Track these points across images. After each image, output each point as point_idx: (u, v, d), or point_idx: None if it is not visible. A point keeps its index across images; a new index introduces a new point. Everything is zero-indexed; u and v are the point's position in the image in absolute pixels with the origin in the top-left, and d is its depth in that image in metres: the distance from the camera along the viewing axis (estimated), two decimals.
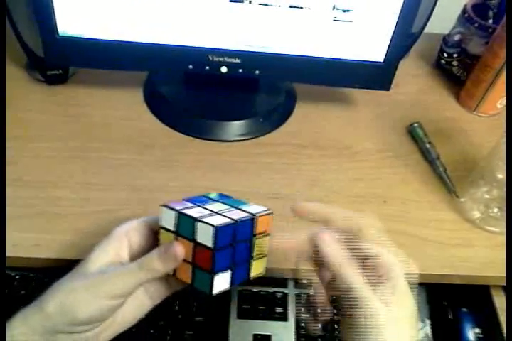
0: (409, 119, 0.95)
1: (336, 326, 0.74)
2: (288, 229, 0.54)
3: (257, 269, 0.55)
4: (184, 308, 0.75)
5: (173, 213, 0.52)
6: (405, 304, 0.51)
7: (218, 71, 0.84)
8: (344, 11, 0.77)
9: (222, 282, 0.52)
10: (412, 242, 0.77)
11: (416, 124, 0.94)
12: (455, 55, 1.05)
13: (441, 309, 0.79)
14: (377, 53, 0.83)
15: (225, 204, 0.56)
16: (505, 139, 0.71)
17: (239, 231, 0.51)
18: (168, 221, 0.53)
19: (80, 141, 0.86)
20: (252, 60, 0.83)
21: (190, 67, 0.84)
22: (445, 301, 0.80)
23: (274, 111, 0.95)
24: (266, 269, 0.57)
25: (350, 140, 0.92)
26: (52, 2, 0.76)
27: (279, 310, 0.75)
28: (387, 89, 0.88)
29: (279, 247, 0.55)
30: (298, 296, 0.77)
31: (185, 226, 0.51)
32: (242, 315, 0.75)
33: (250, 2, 0.76)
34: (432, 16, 0.95)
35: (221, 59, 0.83)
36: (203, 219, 0.50)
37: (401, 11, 0.77)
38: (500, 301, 0.78)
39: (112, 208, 0.76)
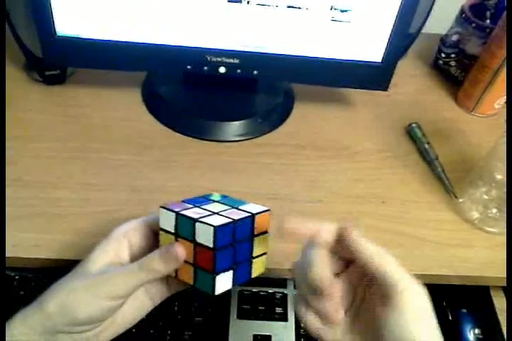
0: (408, 120, 0.96)
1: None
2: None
3: (258, 268, 0.55)
4: (184, 308, 0.75)
5: (172, 214, 0.52)
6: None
7: (217, 71, 0.84)
8: (342, 11, 0.78)
9: (224, 282, 0.52)
10: (410, 243, 0.77)
11: (414, 125, 0.94)
12: (453, 56, 1.05)
13: (441, 310, 0.79)
14: (375, 53, 0.83)
15: (224, 204, 0.56)
16: (504, 139, 0.71)
17: (238, 231, 0.51)
18: (168, 222, 0.53)
19: (79, 141, 0.86)
20: (250, 60, 0.83)
21: (189, 67, 0.84)
22: (445, 302, 0.80)
23: (272, 111, 0.95)
24: (266, 269, 0.57)
25: (348, 140, 0.93)
26: (50, 2, 0.76)
27: (279, 310, 0.75)
28: (386, 89, 0.88)
29: (293, 231, 0.52)
30: None
31: (185, 227, 0.51)
32: (242, 315, 0.75)
33: (248, 2, 0.76)
34: (430, 16, 0.96)
35: (219, 59, 0.83)
36: (202, 220, 0.50)
37: (399, 11, 0.77)
38: (499, 302, 0.78)
39: (111, 208, 0.76)
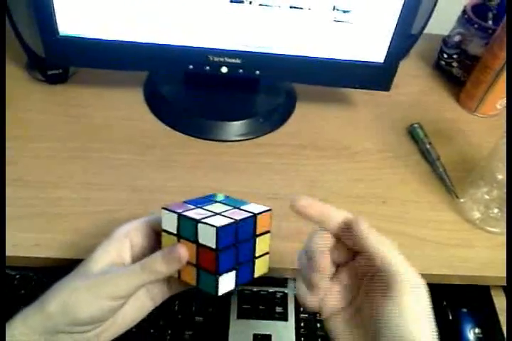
0: (409, 120, 0.96)
1: None
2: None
3: (260, 268, 0.55)
4: (184, 308, 0.75)
5: (174, 216, 0.52)
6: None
7: (218, 71, 0.84)
8: (344, 11, 0.78)
9: (227, 282, 0.52)
10: (411, 243, 0.77)
11: (416, 125, 0.94)
12: (455, 56, 1.05)
13: (441, 309, 0.79)
14: (377, 54, 0.83)
15: (225, 204, 0.56)
16: (505, 140, 0.71)
17: (240, 231, 0.51)
18: (170, 224, 0.53)
19: (80, 141, 0.86)
20: (252, 60, 0.83)
21: (191, 67, 0.84)
22: (445, 301, 0.80)
23: (274, 111, 0.95)
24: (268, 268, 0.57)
25: (349, 140, 0.93)
26: (52, 2, 0.76)
27: (279, 309, 0.75)
28: (387, 89, 0.88)
29: (302, 210, 0.53)
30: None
31: (187, 228, 0.51)
32: (242, 314, 0.75)
33: (250, 3, 0.76)
34: (432, 17, 0.96)
35: (221, 59, 0.83)
36: (204, 221, 0.50)
37: (401, 11, 0.77)
38: (500, 301, 0.78)
39: (112, 208, 0.76)
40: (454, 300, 0.80)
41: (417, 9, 0.78)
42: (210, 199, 0.58)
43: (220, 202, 0.57)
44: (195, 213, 0.52)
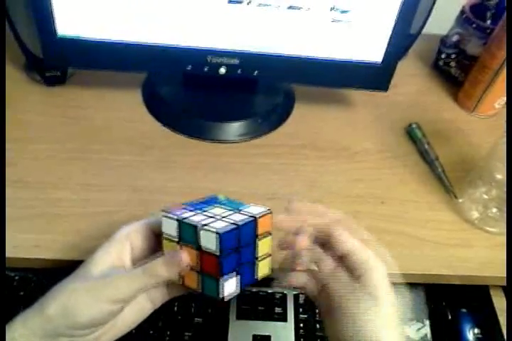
0: (408, 120, 0.96)
1: None
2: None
3: (263, 270, 0.55)
4: (183, 309, 0.75)
5: (174, 222, 0.52)
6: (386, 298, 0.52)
7: (217, 72, 0.84)
8: (342, 11, 0.78)
9: (231, 286, 0.52)
10: (410, 242, 0.77)
11: (414, 125, 0.94)
12: (453, 56, 1.05)
13: (441, 309, 0.79)
14: (375, 54, 0.83)
15: (225, 207, 0.56)
16: (504, 139, 0.71)
17: (242, 235, 0.51)
18: (171, 229, 0.53)
19: (80, 142, 0.86)
20: (250, 60, 0.84)
21: (189, 68, 0.84)
22: (444, 302, 0.80)
23: (272, 112, 0.95)
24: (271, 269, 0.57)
25: (348, 141, 0.93)
26: (51, 3, 0.76)
27: (278, 310, 0.75)
28: (386, 89, 0.88)
29: (279, 225, 0.56)
30: (297, 296, 0.77)
31: (188, 233, 0.51)
32: (242, 315, 0.75)
33: (249, 3, 0.76)
34: (430, 17, 0.96)
35: (220, 60, 0.83)
36: (206, 226, 0.50)
37: (399, 11, 0.77)
38: (499, 301, 0.78)
39: (112, 209, 0.77)
40: (453, 300, 0.80)
41: (415, 9, 0.78)
42: (209, 201, 0.57)
43: (219, 204, 0.57)
44: (195, 218, 0.52)
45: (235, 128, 0.91)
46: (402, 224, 0.80)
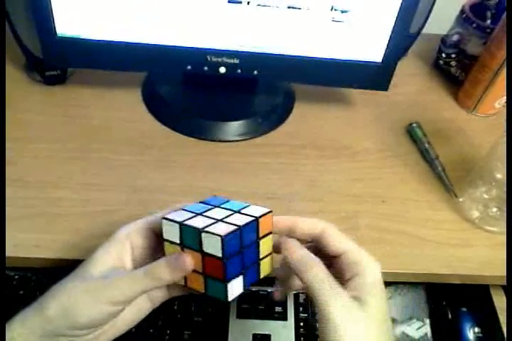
0: (408, 119, 0.96)
1: None
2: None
3: (265, 269, 0.55)
4: (183, 308, 0.75)
5: (175, 225, 0.51)
6: (375, 302, 0.50)
7: (217, 71, 0.84)
8: (342, 11, 0.78)
9: (235, 287, 0.51)
10: (410, 242, 0.77)
11: (415, 124, 0.94)
12: (453, 56, 1.05)
13: (441, 308, 0.79)
14: (375, 54, 0.83)
15: (225, 209, 0.55)
16: (504, 139, 0.71)
17: (245, 236, 0.51)
18: (172, 233, 0.52)
19: (79, 141, 0.86)
20: (250, 60, 0.84)
21: (189, 67, 0.84)
22: (444, 301, 0.80)
23: (272, 111, 0.95)
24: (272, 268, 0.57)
25: (348, 140, 0.93)
26: (50, 3, 0.76)
27: (278, 309, 0.75)
28: (386, 89, 0.88)
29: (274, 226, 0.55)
30: (297, 296, 0.77)
31: (190, 237, 0.51)
32: (242, 314, 0.75)
33: (248, 3, 0.76)
34: (430, 17, 0.96)
35: (220, 59, 0.83)
36: (208, 229, 0.49)
37: (399, 11, 0.77)
38: (499, 301, 0.78)
39: (112, 208, 0.77)
40: (453, 300, 0.81)
41: (415, 9, 0.78)
42: (209, 204, 0.57)
43: (219, 206, 0.56)
44: (196, 221, 0.51)
45: (234, 127, 0.90)
46: (402, 224, 0.80)
